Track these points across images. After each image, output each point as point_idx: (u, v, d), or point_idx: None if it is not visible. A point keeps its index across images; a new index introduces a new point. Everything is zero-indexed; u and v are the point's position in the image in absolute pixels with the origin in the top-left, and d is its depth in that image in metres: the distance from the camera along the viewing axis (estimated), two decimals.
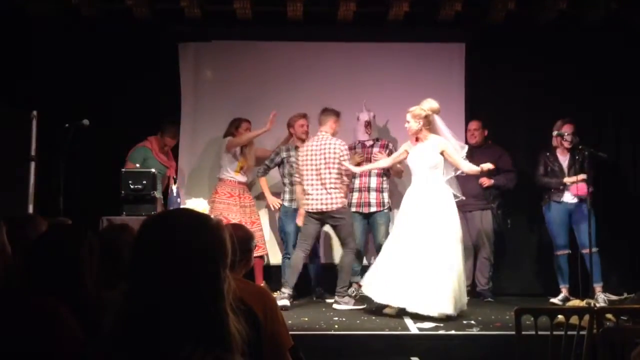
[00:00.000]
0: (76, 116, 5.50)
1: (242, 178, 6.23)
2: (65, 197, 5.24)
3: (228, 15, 6.50)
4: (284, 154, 6.17)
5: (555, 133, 5.67)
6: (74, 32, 6.48)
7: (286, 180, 6.18)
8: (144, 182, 5.45)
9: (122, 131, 6.20)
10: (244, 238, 2.68)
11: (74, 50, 6.44)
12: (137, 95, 6.40)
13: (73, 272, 2.08)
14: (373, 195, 6.16)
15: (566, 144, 5.88)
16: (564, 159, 5.95)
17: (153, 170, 5.61)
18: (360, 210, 6.18)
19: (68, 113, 5.78)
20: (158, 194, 5.64)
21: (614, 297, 6.00)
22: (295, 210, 6.07)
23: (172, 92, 6.64)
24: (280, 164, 6.21)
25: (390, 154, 6.13)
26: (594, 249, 5.66)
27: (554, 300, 5.88)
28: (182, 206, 5.46)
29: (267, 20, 6.61)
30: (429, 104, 5.33)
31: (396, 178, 6.42)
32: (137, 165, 5.85)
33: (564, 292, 5.91)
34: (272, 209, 6.20)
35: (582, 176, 5.67)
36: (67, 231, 2.25)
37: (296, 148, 6.15)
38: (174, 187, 5.63)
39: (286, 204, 6.16)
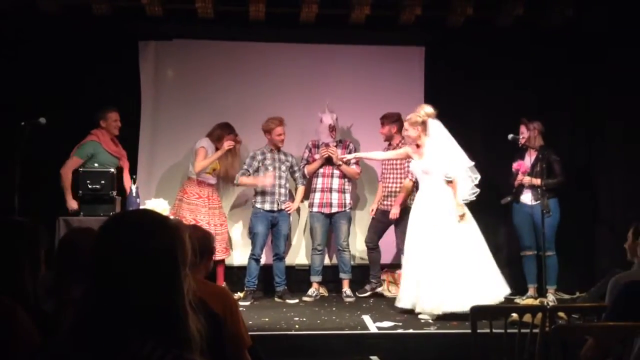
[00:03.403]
0: (33, 114, 5.38)
1: (213, 180, 6.19)
2: (21, 197, 5.12)
3: (189, 14, 6.45)
4: (259, 157, 6.16)
5: (510, 137, 5.80)
6: (32, 28, 6.34)
7: None
8: (102, 182, 5.37)
9: (81, 130, 6.08)
10: (202, 238, 2.68)
11: (31, 47, 6.30)
12: (96, 93, 6.30)
13: (8, 268, 2.05)
14: (335, 195, 6.22)
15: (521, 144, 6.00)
16: (529, 160, 5.99)
17: (111, 170, 5.53)
18: (322, 211, 6.23)
19: (24, 111, 5.64)
20: (116, 194, 5.56)
21: (566, 296, 6.18)
22: (268, 212, 6.07)
23: (132, 91, 6.56)
24: (256, 170, 6.18)
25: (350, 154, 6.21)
26: (550, 253, 5.80)
27: (519, 299, 5.96)
28: (141, 206, 5.39)
29: (229, 20, 6.58)
30: (425, 110, 5.44)
31: (356, 180, 6.52)
32: (83, 160, 5.72)
33: (530, 292, 6.02)
34: (268, 183, 6.06)
35: (528, 179, 5.87)
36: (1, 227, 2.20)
37: (271, 151, 6.17)
38: (134, 187, 5.56)
39: (258, 205, 6.14)
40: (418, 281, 5.26)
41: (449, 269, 5.17)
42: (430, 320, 5.12)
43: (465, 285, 5.13)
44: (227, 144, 6.04)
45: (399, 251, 6.26)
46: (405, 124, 5.53)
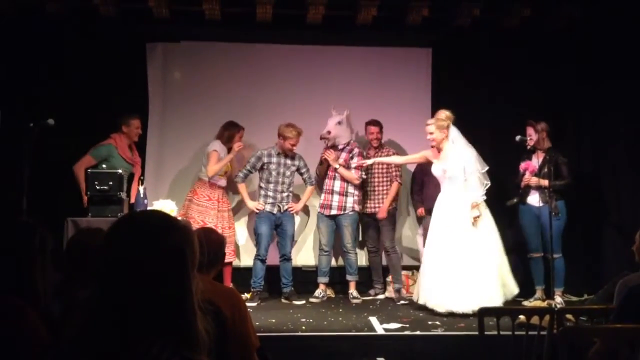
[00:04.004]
0: (41, 116, 5.40)
1: (224, 182, 6.20)
2: (30, 198, 5.14)
3: (197, 16, 6.47)
4: (265, 159, 6.16)
5: (517, 138, 5.79)
6: (39, 30, 6.37)
7: (262, 185, 6.17)
8: (110, 183, 5.37)
9: (89, 131, 6.11)
10: (217, 242, 2.70)
11: (39, 48, 6.34)
12: (104, 94, 6.32)
13: (20, 269, 2.06)
14: (335, 198, 6.25)
15: (529, 146, 6.00)
16: (536, 162, 6.01)
17: (119, 171, 5.54)
18: (323, 212, 6.27)
19: (32, 112, 5.67)
20: (124, 195, 5.58)
21: (574, 298, 6.16)
22: (270, 213, 6.09)
23: (140, 93, 6.58)
24: (260, 169, 6.20)
25: (352, 159, 6.25)
26: (556, 255, 5.78)
27: (527, 301, 5.96)
28: (149, 207, 5.41)
29: (237, 22, 6.60)
30: (446, 114, 5.58)
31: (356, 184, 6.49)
32: (97, 161, 5.76)
33: (537, 294, 6.01)
34: (257, 211, 6.14)
35: (535, 180, 5.86)
36: (13, 228, 2.21)
37: (278, 154, 6.16)
38: (141, 188, 5.57)
39: (261, 206, 6.16)
40: (436, 280, 5.38)
41: (462, 270, 5.30)
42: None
43: (473, 288, 5.26)
44: (237, 146, 6.05)
45: (384, 251, 6.38)
46: (432, 127, 5.60)
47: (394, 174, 6.32)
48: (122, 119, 5.98)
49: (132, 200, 5.77)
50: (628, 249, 3.56)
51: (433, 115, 6.71)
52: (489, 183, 5.54)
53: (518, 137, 5.74)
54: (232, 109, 6.53)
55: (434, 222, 5.63)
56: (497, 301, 5.25)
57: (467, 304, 5.19)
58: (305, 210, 6.61)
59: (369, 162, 6.14)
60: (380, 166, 6.36)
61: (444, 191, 5.63)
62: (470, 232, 5.41)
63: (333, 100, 6.38)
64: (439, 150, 5.64)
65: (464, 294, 5.23)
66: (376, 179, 6.39)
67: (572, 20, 6.45)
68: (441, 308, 5.31)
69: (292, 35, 6.75)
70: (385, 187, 6.35)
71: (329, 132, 6.22)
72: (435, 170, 5.66)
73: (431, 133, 5.62)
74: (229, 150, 6.12)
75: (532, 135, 5.96)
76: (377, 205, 6.34)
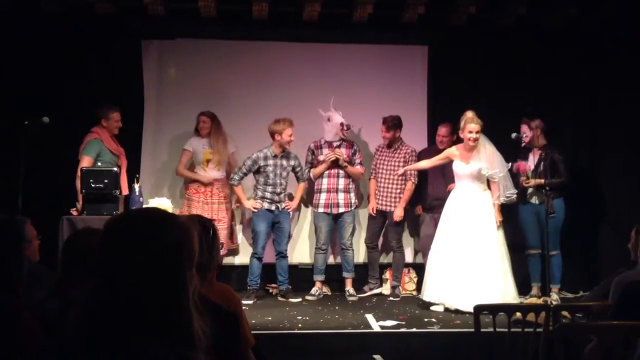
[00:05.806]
0: (36, 113, 5.39)
1: (212, 172, 6.19)
2: (25, 196, 5.13)
3: (192, 13, 6.46)
4: (261, 162, 6.10)
5: (513, 136, 5.80)
6: (35, 28, 6.34)
7: (260, 186, 6.13)
8: (105, 180, 5.36)
9: (84, 129, 6.09)
10: (214, 236, 2.68)
11: (34, 46, 6.31)
12: (99, 92, 6.30)
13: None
14: (341, 195, 6.24)
15: (524, 144, 6.01)
16: (532, 160, 6.03)
17: (115, 169, 5.54)
18: (329, 211, 6.24)
19: (28, 110, 5.65)
20: (119, 193, 5.56)
21: (570, 295, 6.17)
22: (268, 211, 6.08)
23: (135, 90, 6.56)
24: (256, 171, 6.15)
25: (354, 154, 6.24)
26: (554, 252, 5.79)
27: (523, 298, 5.98)
28: (144, 205, 5.40)
29: (232, 19, 6.59)
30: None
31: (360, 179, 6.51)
32: (94, 158, 5.74)
33: (533, 291, 6.02)
34: (254, 210, 6.11)
35: (533, 182, 5.89)
36: None
37: (274, 156, 6.10)
38: (136, 187, 5.56)
39: (258, 205, 6.14)
40: (448, 277, 5.43)
41: (485, 270, 5.38)
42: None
43: (496, 286, 5.37)
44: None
45: (390, 250, 6.40)
46: (477, 126, 5.57)
47: (408, 173, 6.25)
48: (102, 113, 5.91)
49: (125, 192, 5.73)
50: (624, 246, 3.57)
51: (430, 114, 6.78)
52: (515, 192, 5.65)
53: (513, 135, 5.77)
54: (227, 106, 6.52)
55: (449, 219, 5.61)
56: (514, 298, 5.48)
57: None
58: (300, 207, 6.59)
59: (401, 171, 6.09)
60: (389, 165, 6.30)
61: (463, 189, 5.63)
62: (493, 233, 5.49)
63: (330, 98, 6.35)
64: (472, 149, 5.60)
65: (490, 293, 5.24)
66: (388, 178, 6.30)
67: (568, 18, 6.46)
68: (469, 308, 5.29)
69: (288, 32, 6.73)
70: (396, 186, 6.27)
71: (348, 125, 6.19)
72: (464, 168, 5.61)
73: (477, 132, 5.58)
74: (202, 136, 6.16)
75: (527, 133, 5.97)
76: (386, 203, 6.29)
